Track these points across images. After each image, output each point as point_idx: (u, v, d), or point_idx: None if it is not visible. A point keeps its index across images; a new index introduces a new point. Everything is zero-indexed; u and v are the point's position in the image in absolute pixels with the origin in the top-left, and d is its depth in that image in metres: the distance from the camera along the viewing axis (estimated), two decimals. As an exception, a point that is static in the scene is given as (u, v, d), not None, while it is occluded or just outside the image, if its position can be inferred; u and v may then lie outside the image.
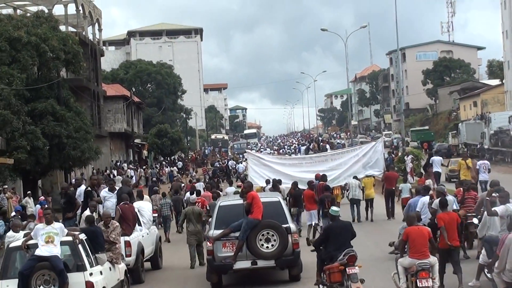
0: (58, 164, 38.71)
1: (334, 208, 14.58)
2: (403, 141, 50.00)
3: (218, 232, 16.38)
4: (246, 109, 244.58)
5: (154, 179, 55.46)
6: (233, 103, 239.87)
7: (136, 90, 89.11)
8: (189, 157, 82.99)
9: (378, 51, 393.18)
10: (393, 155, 47.73)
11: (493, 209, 13.97)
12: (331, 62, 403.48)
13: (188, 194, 28.87)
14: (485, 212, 14.99)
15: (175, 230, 28.21)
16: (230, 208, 16.96)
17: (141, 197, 21.90)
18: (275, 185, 26.30)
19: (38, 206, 28.92)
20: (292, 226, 16.53)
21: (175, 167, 62.33)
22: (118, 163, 61.03)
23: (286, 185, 27.52)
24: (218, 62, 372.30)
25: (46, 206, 24.92)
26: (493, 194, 15.22)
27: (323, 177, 25.99)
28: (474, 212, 18.05)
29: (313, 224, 23.66)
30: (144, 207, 20.52)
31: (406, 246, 13.54)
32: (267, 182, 27.90)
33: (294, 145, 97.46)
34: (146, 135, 75.90)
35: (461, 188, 19.95)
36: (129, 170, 56.23)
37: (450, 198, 17.61)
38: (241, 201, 16.89)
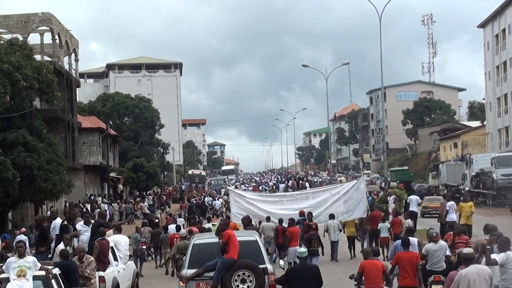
0: (28, 196, 37.54)
1: (301, 249, 14.56)
2: (386, 181, 49.09)
3: (192, 271, 15.90)
4: (224, 145, 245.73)
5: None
6: (211, 139, 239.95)
7: (113, 123, 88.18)
8: (164, 192, 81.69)
9: (357, 91, 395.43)
10: (373, 195, 47.47)
11: (492, 257, 13.09)
12: (309, 101, 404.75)
13: (172, 227, 29.46)
14: (483, 261, 14.13)
15: (154, 265, 28.81)
16: (204, 247, 16.51)
17: (119, 231, 21.60)
18: (247, 223, 25.66)
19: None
20: (270, 266, 16.05)
21: (145, 203, 61.19)
22: (93, 197, 59.89)
23: (271, 223, 27.71)
24: (196, 97, 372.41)
25: (9, 239, 23.76)
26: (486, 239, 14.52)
27: (309, 216, 26.37)
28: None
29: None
30: (121, 241, 20.19)
31: (362, 279, 14.48)
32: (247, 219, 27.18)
33: (271, 182, 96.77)
34: (121, 168, 74.97)
35: (451, 232, 19.33)
36: (103, 204, 54.95)
37: (442, 243, 17.04)
38: (216, 239, 16.40)
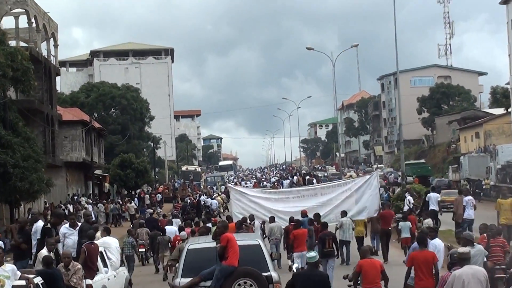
0: (2, 197, 37.31)
1: (311, 253, 14.35)
2: (403, 176, 49.12)
3: (186, 280, 15.70)
4: (221, 138, 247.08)
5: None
6: (207, 132, 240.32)
7: (98, 116, 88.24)
8: (155, 190, 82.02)
9: (366, 77, 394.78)
10: (390, 192, 47.33)
11: None
12: (314, 89, 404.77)
13: (170, 228, 30.33)
14: None
15: (154, 271, 29.10)
16: (200, 252, 16.37)
17: (107, 233, 21.59)
18: (242, 224, 26.01)
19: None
20: (274, 274, 15.84)
21: (132, 203, 60.79)
22: (76, 197, 59.70)
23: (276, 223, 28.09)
24: (190, 86, 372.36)
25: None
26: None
27: (317, 217, 26.43)
28: (505, 264, 17.04)
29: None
30: (111, 244, 20.07)
31: (359, 278, 14.92)
32: (251, 218, 28.31)
33: (273, 178, 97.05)
34: (108, 165, 75.12)
35: (485, 234, 18.72)
36: (87, 205, 54.67)
37: (479, 247, 16.47)
38: (213, 244, 16.28)
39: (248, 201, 29.60)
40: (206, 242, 17.02)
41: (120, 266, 20.66)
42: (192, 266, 15.95)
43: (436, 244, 16.75)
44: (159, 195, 76.23)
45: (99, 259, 18.48)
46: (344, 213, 28.41)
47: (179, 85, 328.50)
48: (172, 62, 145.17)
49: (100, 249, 18.78)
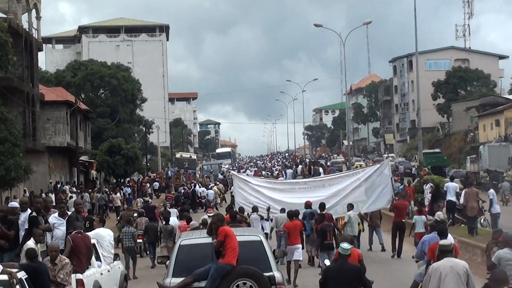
0: (-25, 184, 37.10)
1: (344, 245, 14.16)
2: (421, 166, 49.23)
3: (178, 280, 15.44)
4: (219, 124, 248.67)
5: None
6: (204, 117, 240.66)
7: (85, 97, 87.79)
8: (146, 179, 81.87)
9: (376, 60, 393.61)
10: (405, 184, 47.01)
11: None
12: (319, 72, 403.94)
13: (173, 219, 30.78)
14: None
15: (150, 265, 29.62)
16: (194, 249, 16.07)
17: (102, 223, 21.76)
18: (235, 215, 25.51)
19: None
20: (278, 274, 15.69)
21: (118, 194, 59.42)
22: (59, 185, 59.15)
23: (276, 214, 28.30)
24: (186, 67, 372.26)
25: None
26: None
27: (322, 206, 26.62)
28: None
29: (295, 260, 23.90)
30: (104, 236, 19.93)
31: None
32: (254, 209, 28.82)
33: (276, 167, 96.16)
34: (95, 151, 74.88)
35: None
36: (70, 194, 53.94)
37: None
38: (209, 240, 16.01)
39: (251, 190, 30.09)
40: (200, 238, 16.65)
41: (115, 260, 20.42)
42: (185, 265, 15.65)
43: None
44: (157, 183, 76.92)
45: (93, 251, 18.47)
46: (350, 206, 28.69)
47: (174, 65, 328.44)
48: (167, 40, 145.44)
49: (93, 241, 18.69)
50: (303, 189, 30.31)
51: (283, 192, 30.22)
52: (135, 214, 40.00)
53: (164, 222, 30.37)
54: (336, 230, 25.39)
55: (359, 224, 29.22)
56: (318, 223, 24.95)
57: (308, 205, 27.87)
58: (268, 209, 29.24)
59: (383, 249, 30.28)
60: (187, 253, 15.91)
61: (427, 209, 31.00)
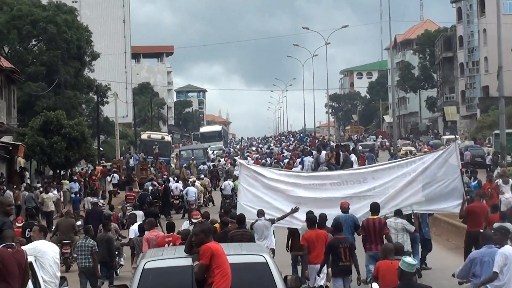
0: None
1: (408, 259, 16.04)
2: (503, 152, 50.47)
3: None
4: (204, 91, 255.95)
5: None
6: (183, 81, 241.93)
7: (10, 50, 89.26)
8: (97, 169, 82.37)
9: (431, 1, 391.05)
10: (479, 179, 47.24)
11: None
12: (348, 17, 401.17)
13: (134, 228, 31.77)
14: None
15: None
16: (164, 275, 16.24)
17: (44, 234, 21.50)
18: (241, 219, 27.00)
19: None
20: None
21: (50, 193, 58.65)
22: (-33, 178, 61.37)
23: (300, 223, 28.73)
24: (156, 10, 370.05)
25: None
26: None
27: (376, 209, 27.35)
28: None
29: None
30: (46, 251, 19.71)
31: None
32: (260, 213, 29.03)
33: (285, 154, 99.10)
34: (23, 129, 75.26)
35: None
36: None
37: None
38: (188, 261, 16.02)
39: (265, 187, 30.47)
40: (175, 258, 16.84)
41: (61, 286, 20.45)
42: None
43: (507, 254, 18.70)
44: (116, 175, 77.90)
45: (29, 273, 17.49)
46: (398, 213, 28.83)
47: (139, 6, 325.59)
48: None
49: (29, 258, 18.03)
50: (337, 184, 30.60)
51: (308, 190, 30.46)
52: (78, 222, 42.55)
53: (138, 234, 30.65)
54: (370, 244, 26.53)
55: (411, 232, 28.76)
56: (335, 233, 25.18)
57: (345, 207, 28.41)
58: (273, 222, 29.24)
59: (423, 266, 31.08)
60: (154, 282, 16.02)
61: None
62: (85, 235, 30.68)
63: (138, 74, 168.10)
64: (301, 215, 28.71)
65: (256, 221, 28.92)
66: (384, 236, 26.67)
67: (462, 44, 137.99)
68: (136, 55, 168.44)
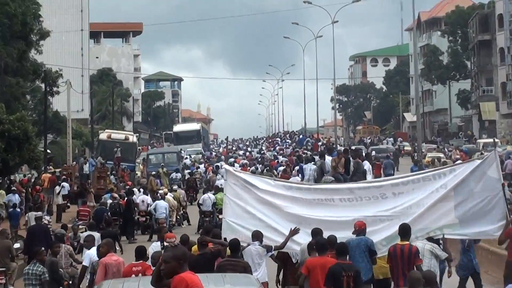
0: None
1: None
2: None
3: None
4: (180, 80, 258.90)
5: None
6: (153, 67, 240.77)
7: None
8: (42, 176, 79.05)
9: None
10: None
11: None
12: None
13: (91, 253, 30.49)
14: None
15: None
16: None
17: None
18: (234, 246, 26.25)
19: None
20: None
21: None
22: None
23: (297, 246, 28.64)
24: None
25: None
26: None
27: (406, 232, 26.69)
28: None
29: None
30: None
31: None
32: (255, 236, 27.94)
33: (280, 160, 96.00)
34: None
35: None
36: None
37: None
38: None
39: (257, 201, 29.30)
40: None
41: None
42: None
43: None
44: (66, 185, 74.22)
45: None
46: (421, 233, 28.22)
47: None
48: None
49: None
50: (348, 201, 29.42)
51: (312, 206, 29.19)
52: (17, 245, 43.01)
53: (97, 259, 29.24)
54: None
55: (440, 258, 27.94)
56: (338, 257, 24.44)
57: (360, 228, 27.33)
58: (269, 250, 27.77)
59: None
60: None
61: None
62: (34, 259, 30.43)
63: (97, 57, 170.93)
64: (300, 237, 28.03)
65: (248, 245, 27.36)
66: (415, 268, 24.70)
67: (502, 24, 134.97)
68: (95, 34, 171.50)
